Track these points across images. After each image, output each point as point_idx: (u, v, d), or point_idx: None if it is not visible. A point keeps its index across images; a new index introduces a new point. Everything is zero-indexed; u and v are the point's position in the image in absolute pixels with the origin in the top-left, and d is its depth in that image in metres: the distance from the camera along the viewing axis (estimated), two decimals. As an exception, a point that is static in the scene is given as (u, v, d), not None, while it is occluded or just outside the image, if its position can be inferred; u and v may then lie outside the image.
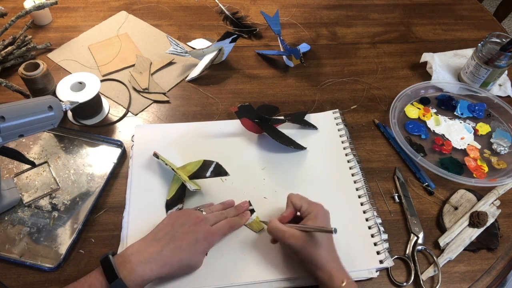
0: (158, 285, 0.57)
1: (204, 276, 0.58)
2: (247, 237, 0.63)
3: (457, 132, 0.79)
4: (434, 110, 0.83)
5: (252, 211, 0.65)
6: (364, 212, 0.66)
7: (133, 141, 0.74)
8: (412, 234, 0.64)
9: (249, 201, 0.67)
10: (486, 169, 0.73)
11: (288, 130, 0.76)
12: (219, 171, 0.67)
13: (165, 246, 0.54)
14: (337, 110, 0.81)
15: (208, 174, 0.67)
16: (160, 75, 0.88)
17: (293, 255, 0.57)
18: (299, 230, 0.55)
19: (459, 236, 0.64)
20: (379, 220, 0.65)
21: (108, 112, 0.80)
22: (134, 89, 0.84)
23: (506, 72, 0.88)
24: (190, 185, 0.64)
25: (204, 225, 0.58)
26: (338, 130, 0.77)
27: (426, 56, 0.92)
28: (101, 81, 0.84)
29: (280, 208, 0.65)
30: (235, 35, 0.88)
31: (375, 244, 0.62)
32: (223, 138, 0.76)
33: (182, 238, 0.55)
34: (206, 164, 0.68)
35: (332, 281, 0.52)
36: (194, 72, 0.87)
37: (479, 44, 0.82)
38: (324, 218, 0.57)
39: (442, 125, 0.80)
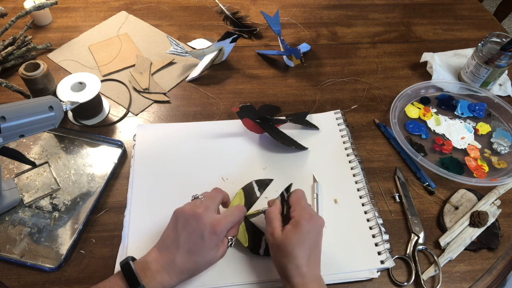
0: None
1: (204, 275, 0.58)
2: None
3: (458, 132, 0.79)
4: (435, 110, 0.83)
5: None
6: (366, 212, 0.66)
7: (134, 141, 0.74)
8: (412, 234, 0.64)
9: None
10: (486, 168, 0.73)
11: (290, 130, 0.76)
12: (263, 183, 0.68)
13: (175, 254, 0.52)
14: (338, 110, 0.81)
15: (257, 193, 0.66)
16: (160, 75, 0.88)
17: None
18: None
19: (459, 235, 0.64)
20: (380, 221, 0.65)
21: (109, 112, 0.80)
22: (135, 89, 0.84)
23: (506, 71, 0.88)
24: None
25: (205, 217, 0.53)
26: (340, 130, 0.77)
27: (426, 56, 0.92)
28: (102, 81, 0.84)
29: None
30: (235, 35, 0.88)
31: (376, 244, 0.62)
32: (225, 138, 0.76)
33: (188, 241, 0.52)
34: (248, 188, 0.67)
35: None
36: (195, 72, 0.87)
37: (479, 44, 0.82)
38: (302, 233, 0.51)
39: (442, 124, 0.80)
